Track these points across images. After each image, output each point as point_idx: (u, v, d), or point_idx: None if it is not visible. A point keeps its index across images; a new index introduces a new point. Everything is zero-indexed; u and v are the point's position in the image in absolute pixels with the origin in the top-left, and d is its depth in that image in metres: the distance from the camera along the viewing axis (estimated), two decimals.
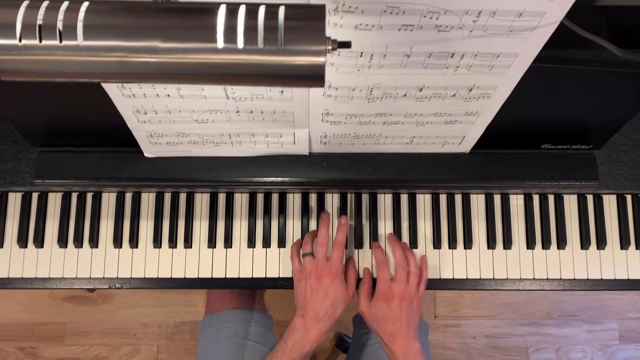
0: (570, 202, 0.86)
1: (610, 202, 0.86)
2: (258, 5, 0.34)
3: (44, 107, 0.71)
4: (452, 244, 0.84)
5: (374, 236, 0.84)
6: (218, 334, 0.94)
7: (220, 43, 0.34)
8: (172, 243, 0.84)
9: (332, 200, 0.86)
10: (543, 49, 0.53)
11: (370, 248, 0.84)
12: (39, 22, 0.33)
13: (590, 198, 0.86)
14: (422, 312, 1.06)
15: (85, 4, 0.34)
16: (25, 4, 0.34)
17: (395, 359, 0.76)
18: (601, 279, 0.84)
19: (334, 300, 0.76)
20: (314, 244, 0.80)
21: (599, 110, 0.71)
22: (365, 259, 0.84)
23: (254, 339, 0.95)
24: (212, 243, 0.84)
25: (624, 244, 0.84)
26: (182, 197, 0.86)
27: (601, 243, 0.84)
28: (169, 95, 0.62)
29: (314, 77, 0.35)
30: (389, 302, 0.76)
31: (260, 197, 0.86)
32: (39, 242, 0.84)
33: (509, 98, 0.63)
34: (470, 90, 0.61)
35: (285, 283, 0.84)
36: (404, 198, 0.86)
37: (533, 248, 0.84)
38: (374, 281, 0.81)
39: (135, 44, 0.34)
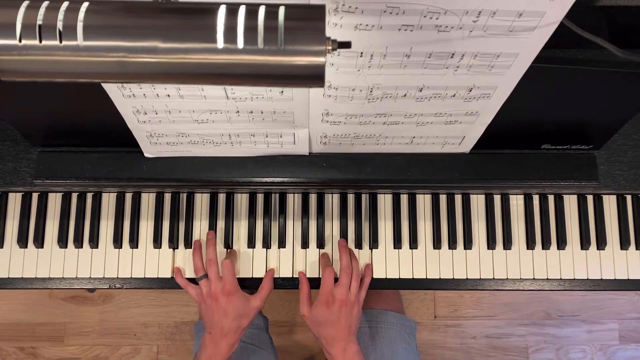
0: (570, 202, 0.86)
1: (610, 202, 0.86)
2: (258, 5, 0.34)
3: (44, 107, 0.71)
4: (452, 244, 0.84)
5: (374, 236, 0.84)
6: None
7: (220, 43, 0.34)
8: (172, 243, 0.84)
9: (332, 201, 0.86)
10: (543, 49, 0.53)
11: (370, 249, 0.84)
12: (39, 22, 0.33)
13: (590, 198, 0.86)
14: (400, 307, 1.06)
15: (85, 4, 0.34)
16: (25, 4, 0.34)
17: None
18: (601, 279, 0.84)
19: (235, 315, 0.77)
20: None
21: (599, 110, 0.71)
22: (365, 259, 0.84)
23: (248, 341, 0.95)
24: None
25: (624, 244, 0.84)
26: (182, 197, 0.86)
27: (601, 243, 0.84)
28: (169, 96, 0.62)
29: (314, 77, 0.35)
30: (330, 306, 0.77)
31: (260, 197, 0.86)
32: (39, 242, 0.84)
33: (509, 98, 0.63)
34: (470, 91, 0.61)
35: (285, 283, 0.84)
36: (404, 198, 0.86)
37: (533, 248, 0.84)
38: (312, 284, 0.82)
39: (135, 44, 0.34)
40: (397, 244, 0.84)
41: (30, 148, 0.80)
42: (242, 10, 0.34)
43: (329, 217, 0.85)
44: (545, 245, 0.84)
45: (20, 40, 0.33)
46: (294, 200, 0.86)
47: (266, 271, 0.84)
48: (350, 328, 0.78)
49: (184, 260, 0.84)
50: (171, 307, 1.57)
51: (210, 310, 0.78)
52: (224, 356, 0.77)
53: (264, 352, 0.96)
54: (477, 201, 0.86)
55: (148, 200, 0.86)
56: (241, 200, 0.86)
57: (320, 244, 0.84)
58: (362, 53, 0.53)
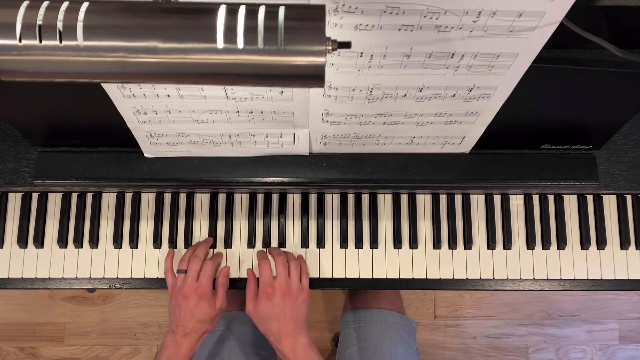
0: (570, 202, 0.86)
1: (610, 202, 0.86)
2: (258, 5, 0.34)
3: (44, 107, 0.71)
4: (452, 244, 0.84)
5: (374, 236, 0.84)
6: (212, 336, 0.94)
7: (220, 43, 0.34)
8: (172, 243, 0.84)
9: (332, 200, 0.86)
10: (543, 49, 0.53)
11: (370, 249, 0.84)
12: (39, 22, 0.33)
13: (590, 198, 0.86)
14: (400, 307, 1.05)
15: (85, 4, 0.34)
16: (25, 4, 0.34)
17: (285, 357, 0.75)
18: (601, 279, 0.84)
19: (200, 318, 0.76)
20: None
21: (599, 110, 0.71)
22: (365, 259, 0.84)
23: (248, 341, 0.95)
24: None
25: (624, 244, 0.84)
26: (182, 197, 0.86)
27: (601, 243, 0.84)
28: (169, 96, 0.62)
29: (314, 77, 0.35)
30: (271, 298, 0.75)
31: (260, 197, 0.86)
32: (39, 242, 0.84)
33: (509, 98, 0.63)
34: (470, 91, 0.61)
35: None
36: (404, 198, 0.86)
37: (533, 248, 0.84)
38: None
39: (135, 44, 0.34)
40: (397, 244, 0.84)
41: (30, 148, 0.80)
42: (242, 10, 0.34)
43: (329, 217, 0.85)
44: (545, 245, 0.84)
45: (20, 40, 0.33)
46: (293, 200, 0.86)
47: (219, 271, 0.82)
48: (297, 320, 0.75)
49: None
50: None
51: (178, 307, 0.77)
52: (184, 357, 0.76)
53: (265, 353, 0.97)
54: (477, 201, 0.86)
55: (148, 200, 0.86)
56: (241, 200, 0.86)
57: (321, 244, 0.84)
58: (362, 53, 0.53)
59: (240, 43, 0.34)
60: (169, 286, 0.80)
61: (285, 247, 0.84)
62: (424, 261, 0.84)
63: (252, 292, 0.79)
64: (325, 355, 1.53)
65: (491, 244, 0.84)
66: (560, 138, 0.77)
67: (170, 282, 0.80)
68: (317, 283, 0.83)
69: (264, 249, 0.84)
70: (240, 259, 0.84)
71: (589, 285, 0.84)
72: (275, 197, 0.86)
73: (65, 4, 0.34)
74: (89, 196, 0.85)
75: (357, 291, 1.08)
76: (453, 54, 0.54)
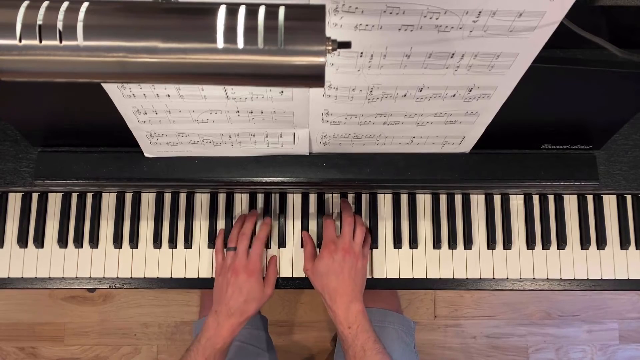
0: (570, 202, 0.86)
1: (610, 202, 0.86)
2: (258, 5, 0.34)
3: (44, 107, 0.71)
4: (452, 244, 0.84)
5: (374, 236, 0.84)
6: None
7: (220, 43, 0.34)
8: (172, 243, 0.84)
9: (332, 200, 0.86)
10: (543, 49, 0.53)
11: (370, 249, 0.84)
12: (39, 22, 0.33)
13: (590, 198, 0.86)
14: (397, 307, 1.05)
15: (85, 4, 0.34)
16: (25, 4, 0.34)
17: (336, 318, 0.74)
18: (601, 279, 0.84)
19: (248, 296, 0.76)
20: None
21: (599, 110, 0.71)
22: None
23: (247, 341, 0.95)
24: (212, 243, 0.84)
25: (624, 244, 0.84)
26: (182, 197, 0.86)
27: (601, 243, 0.84)
28: (169, 96, 0.62)
29: (314, 77, 0.35)
30: (333, 255, 0.76)
31: (260, 197, 0.86)
32: (39, 242, 0.84)
33: (509, 98, 0.63)
34: (470, 91, 0.61)
35: (285, 283, 0.84)
36: (404, 198, 0.86)
37: (533, 248, 0.84)
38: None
39: (135, 44, 0.34)
40: (397, 243, 0.84)
41: (30, 148, 0.80)
42: (242, 10, 0.34)
43: None
44: (545, 245, 0.84)
45: (20, 40, 0.33)
46: (293, 200, 0.86)
47: (268, 260, 0.83)
48: (355, 283, 0.76)
49: (184, 260, 0.84)
50: (171, 307, 1.57)
51: (225, 283, 0.77)
52: (224, 339, 0.75)
53: (264, 354, 0.97)
54: (477, 201, 0.86)
55: (148, 200, 0.86)
56: (241, 200, 0.86)
57: (320, 244, 0.84)
58: (362, 53, 0.53)
59: (240, 43, 0.34)
60: (217, 265, 0.81)
61: (285, 247, 0.84)
62: (424, 261, 0.84)
63: (310, 252, 0.81)
64: (325, 355, 1.53)
65: (491, 243, 0.84)
66: (560, 138, 0.77)
67: (219, 261, 0.80)
68: None
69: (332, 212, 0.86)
70: None
71: (589, 285, 0.84)
72: (275, 197, 0.86)
73: (65, 4, 0.34)
74: (89, 196, 0.85)
75: None
76: (453, 54, 0.54)
